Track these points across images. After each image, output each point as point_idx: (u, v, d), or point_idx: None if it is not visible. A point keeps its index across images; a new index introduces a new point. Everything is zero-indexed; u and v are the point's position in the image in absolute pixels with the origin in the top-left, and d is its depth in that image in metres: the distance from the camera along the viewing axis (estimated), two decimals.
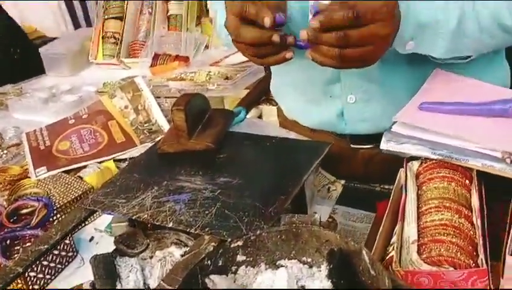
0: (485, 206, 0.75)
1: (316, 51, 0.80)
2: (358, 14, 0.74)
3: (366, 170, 1.14)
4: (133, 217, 0.79)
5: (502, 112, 0.82)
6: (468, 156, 0.77)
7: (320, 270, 0.64)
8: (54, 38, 2.41)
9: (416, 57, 0.95)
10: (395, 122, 0.85)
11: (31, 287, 0.89)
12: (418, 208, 0.75)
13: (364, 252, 0.59)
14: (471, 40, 0.89)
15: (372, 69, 0.99)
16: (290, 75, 1.15)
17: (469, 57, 0.94)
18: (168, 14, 2.02)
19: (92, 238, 1.03)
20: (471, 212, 0.73)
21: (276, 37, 0.80)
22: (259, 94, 1.56)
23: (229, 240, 0.65)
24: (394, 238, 0.72)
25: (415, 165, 0.84)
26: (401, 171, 0.85)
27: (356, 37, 0.76)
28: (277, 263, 0.66)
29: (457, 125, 0.81)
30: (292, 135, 1.10)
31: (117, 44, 2.02)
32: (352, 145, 1.14)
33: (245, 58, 1.62)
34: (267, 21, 0.79)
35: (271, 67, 1.25)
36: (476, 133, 0.78)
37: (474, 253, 0.67)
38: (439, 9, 0.85)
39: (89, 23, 2.97)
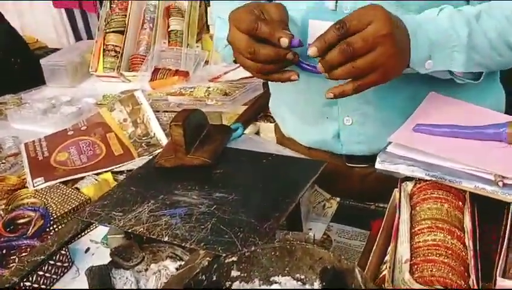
0: (477, 227, 0.76)
1: (332, 72, 0.81)
2: (344, 22, 0.77)
3: (361, 189, 1.15)
4: (129, 230, 0.80)
5: (495, 136, 0.83)
6: (462, 178, 0.78)
7: (313, 288, 0.65)
8: (55, 50, 2.43)
9: (413, 81, 0.97)
10: (390, 143, 0.86)
11: None
12: (411, 228, 0.76)
13: (357, 270, 0.60)
14: (482, 56, 0.91)
15: (368, 92, 1.01)
16: (288, 95, 1.17)
17: (480, 76, 0.96)
18: (169, 29, 2.04)
19: (87, 249, 1.03)
20: (464, 233, 0.74)
21: (290, 56, 0.82)
22: (257, 111, 1.58)
23: (224, 255, 0.66)
24: (387, 258, 0.73)
25: (409, 185, 0.85)
26: (396, 191, 0.86)
27: (357, 42, 0.77)
28: (271, 279, 0.66)
29: (451, 147, 0.82)
30: (289, 153, 1.11)
31: (117, 57, 2.03)
32: (347, 164, 1.15)
33: (244, 75, 1.66)
34: (285, 42, 0.80)
35: (270, 87, 1.27)
36: (470, 156, 0.79)
37: (466, 274, 0.68)
38: (447, 25, 0.88)
39: (90, 36, 2.99)
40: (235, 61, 1.06)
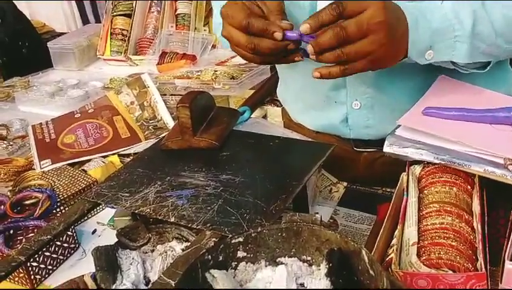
0: (486, 212, 0.76)
1: (322, 55, 0.80)
2: (341, 4, 0.76)
3: (369, 173, 1.15)
4: (136, 211, 0.80)
5: (505, 120, 0.82)
6: (471, 162, 0.77)
7: (319, 269, 0.65)
8: (62, 34, 2.43)
9: (423, 66, 0.96)
10: (398, 126, 0.86)
11: (32, 276, 0.90)
12: (419, 211, 0.76)
13: (363, 252, 0.60)
14: (488, 44, 0.89)
15: (377, 76, 1.00)
16: (295, 81, 1.16)
17: (487, 65, 0.94)
18: (176, 12, 2.03)
19: (94, 231, 1.04)
20: (472, 217, 0.73)
21: (292, 46, 0.82)
22: (265, 95, 1.57)
23: (230, 236, 0.66)
24: (394, 241, 0.72)
25: (417, 169, 0.84)
26: (403, 175, 0.85)
27: (351, 27, 0.76)
28: (277, 260, 0.66)
29: (460, 130, 0.81)
30: (296, 136, 1.10)
31: (125, 41, 2.02)
32: (355, 149, 1.14)
33: None
34: (279, 36, 0.80)
35: (278, 72, 1.26)
36: (479, 139, 0.79)
37: (474, 257, 0.67)
38: (451, 14, 0.85)
39: (98, 20, 2.98)
40: None
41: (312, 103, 1.15)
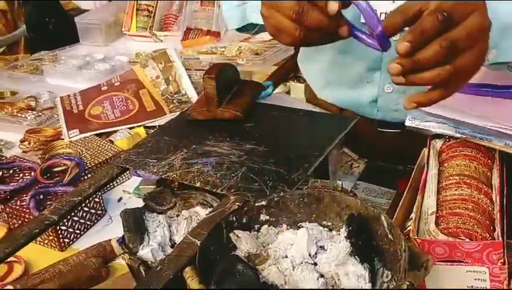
0: (505, 186, 0.77)
1: (416, 76, 0.66)
2: (447, 14, 0.63)
3: (391, 152, 1.15)
4: (163, 176, 0.82)
5: None
6: (492, 136, 0.78)
7: (339, 234, 0.67)
8: (87, 11, 2.46)
9: None
10: None
11: (61, 240, 0.94)
12: (439, 183, 0.77)
13: (383, 217, 0.62)
14: None
15: None
16: (324, 55, 1.14)
17: None
18: None
19: (120, 199, 1.07)
20: (491, 190, 0.74)
21: (344, 31, 0.70)
22: (288, 71, 1.58)
23: (254, 200, 0.68)
24: (413, 211, 0.74)
25: (438, 143, 0.85)
26: (424, 149, 0.86)
27: (462, 38, 0.64)
28: (298, 225, 0.68)
29: (482, 105, 0.82)
30: (319, 110, 1.11)
31: (150, 17, 2.05)
32: (379, 129, 1.15)
33: None
34: (334, 6, 0.67)
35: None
36: (501, 114, 0.79)
37: (491, 228, 0.69)
38: None
39: None
40: (239, 29, 1.02)
41: (341, 80, 1.13)
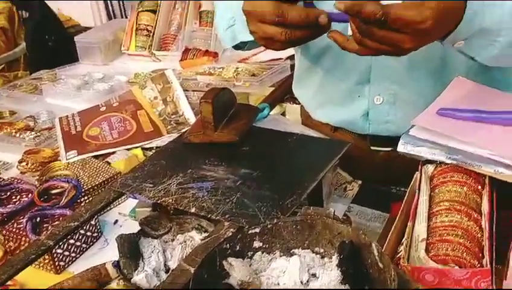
0: (495, 212, 0.78)
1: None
2: (387, 17, 0.71)
3: (384, 172, 1.17)
4: (159, 201, 0.84)
5: None
6: (482, 162, 0.80)
7: (331, 261, 0.68)
8: (88, 28, 2.49)
9: (446, 65, 0.97)
10: (413, 126, 0.88)
11: (57, 263, 0.95)
12: (430, 209, 0.78)
13: (374, 245, 0.63)
14: None
15: (402, 73, 1.01)
16: (315, 75, 1.17)
17: None
18: (200, 10, 2.07)
19: (116, 221, 1.08)
20: (481, 216, 0.76)
21: (324, 18, 0.76)
22: (284, 92, 1.60)
23: (247, 226, 0.69)
24: (404, 237, 0.75)
25: (430, 168, 0.86)
26: (417, 174, 0.88)
27: (381, 35, 0.73)
28: (291, 251, 0.69)
29: (473, 131, 0.83)
30: (313, 134, 1.13)
31: (149, 36, 2.07)
32: (371, 147, 1.17)
33: (273, 56, 1.66)
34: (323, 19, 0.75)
35: (296, 68, 1.28)
36: (491, 141, 0.81)
37: (480, 255, 0.70)
38: (508, 16, 0.83)
39: (124, 15, 3.04)
40: (236, 47, 1.06)
41: (332, 99, 1.16)
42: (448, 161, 0.83)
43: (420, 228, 0.74)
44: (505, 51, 0.85)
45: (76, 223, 0.80)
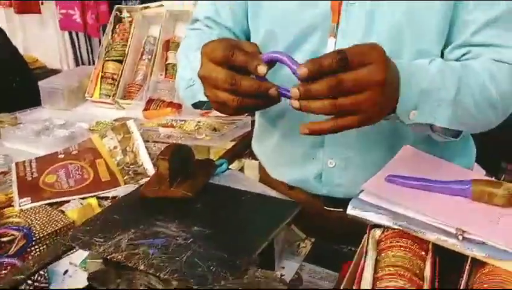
0: (437, 277, 0.80)
1: (308, 103, 0.77)
2: (346, 56, 0.74)
3: (337, 232, 1.18)
4: (108, 257, 0.83)
5: (461, 192, 0.88)
6: (426, 229, 0.83)
7: None
8: (53, 70, 2.49)
9: (395, 133, 1.02)
10: (363, 190, 0.91)
11: None
12: (376, 272, 0.81)
13: None
14: (467, 114, 0.92)
15: (353, 140, 1.06)
16: (272, 137, 1.21)
17: (460, 134, 0.98)
18: (167, 62, 2.11)
19: (66, 272, 1.05)
20: (423, 281, 0.78)
21: (274, 91, 0.80)
22: (244, 147, 1.63)
23: (195, 288, 0.70)
24: None
25: (378, 232, 0.89)
26: (365, 237, 0.90)
27: (349, 81, 0.74)
28: None
29: (418, 199, 0.87)
30: (269, 191, 1.15)
31: (114, 84, 2.09)
32: (325, 207, 1.19)
33: None
34: (262, 70, 0.79)
35: (255, 127, 1.31)
36: (435, 209, 0.84)
37: None
38: (438, 76, 0.88)
39: (92, 62, 3.06)
40: (194, 106, 1.08)
41: (289, 158, 1.19)
42: (395, 226, 0.85)
43: None
44: (455, 110, 0.89)
45: (22, 276, 0.79)
